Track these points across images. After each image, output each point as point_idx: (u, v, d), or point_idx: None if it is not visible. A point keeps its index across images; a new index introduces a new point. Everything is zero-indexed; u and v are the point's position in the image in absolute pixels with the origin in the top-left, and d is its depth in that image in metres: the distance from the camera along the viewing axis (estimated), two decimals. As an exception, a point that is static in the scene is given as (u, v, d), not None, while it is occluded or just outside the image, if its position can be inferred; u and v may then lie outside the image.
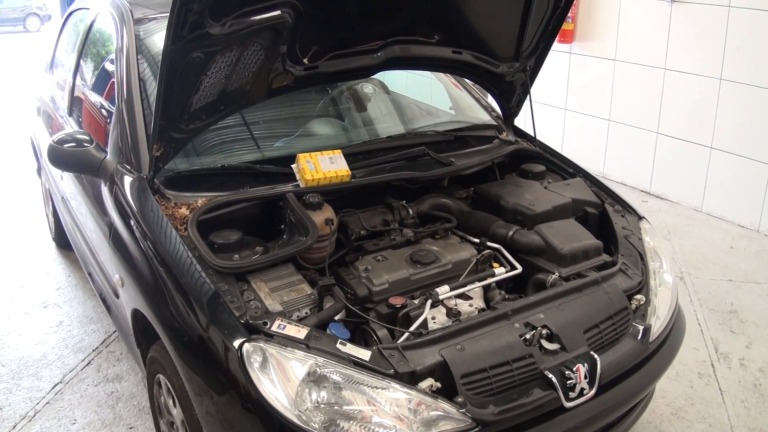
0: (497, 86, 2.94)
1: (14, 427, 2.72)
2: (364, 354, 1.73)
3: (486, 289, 2.23)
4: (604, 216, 2.56)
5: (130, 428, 2.71)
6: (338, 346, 1.74)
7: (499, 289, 2.27)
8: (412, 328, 1.88)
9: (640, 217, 2.57)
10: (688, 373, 3.03)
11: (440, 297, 1.99)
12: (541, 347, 1.89)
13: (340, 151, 2.37)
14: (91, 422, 2.74)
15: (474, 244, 2.38)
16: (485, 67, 2.77)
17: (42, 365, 3.12)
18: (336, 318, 1.98)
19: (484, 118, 3.13)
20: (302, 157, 2.30)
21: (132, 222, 2.20)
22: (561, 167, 2.83)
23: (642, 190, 5.27)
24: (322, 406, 1.65)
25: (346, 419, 1.65)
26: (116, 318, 2.72)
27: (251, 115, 2.67)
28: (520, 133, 3.09)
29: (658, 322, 2.17)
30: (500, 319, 1.91)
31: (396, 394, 1.67)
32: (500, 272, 2.18)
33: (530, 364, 1.84)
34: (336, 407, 1.66)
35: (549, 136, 5.96)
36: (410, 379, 1.72)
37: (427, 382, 1.72)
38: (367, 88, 2.95)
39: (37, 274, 4.05)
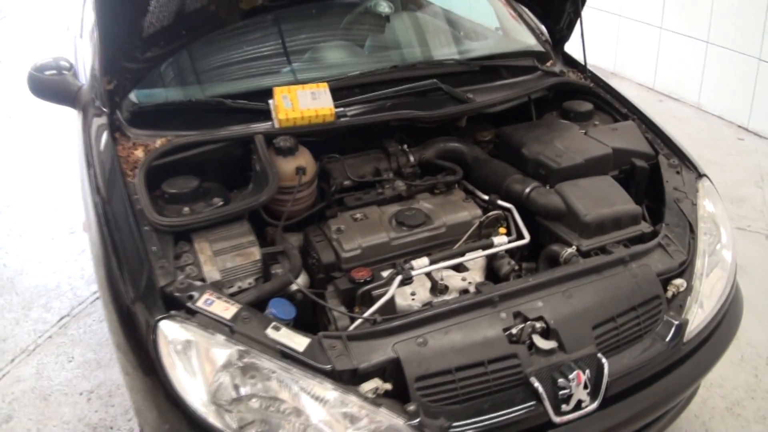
0: (541, 3, 2.40)
1: (12, 360, 2.69)
2: (299, 343, 1.43)
3: (493, 257, 1.85)
4: (656, 171, 2.06)
5: (127, 374, 2.60)
6: (269, 331, 1.44)
7: (512, 257, 1.88)
8: (368, 312, 1.55)
9: (700, 175, 2.04)
10: (756, 359, 2.53)
11: (414, 272, 1.63)
12: (533, 345, 1.51)
13: (326, 84, 1.99)
14: (87, 362, 2.66)
15: (482, 201, 1.98)
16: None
17: (54, 296, 3.07)
18: (295, 288, 1.68)
19: (530, 42, 2.62)
20: (279, 92, 1.94)
21: (89, 162, 1.96)
22: (613, 106, 2.31)
23: (739, 126, 4.50)
24: (243, 402, 1.38)
25: (269, 420, 1.37)
26: None
27: (244, 41, 2.31)
28: (571, 62, 2.56)
29: (700, 315, 1.72)
30: (482, 306, 1.54)
31: (329, 395, 1.37)
32: (501, 241, 1.78)
33: (512, 367, 1.47)
34: (259, 405, 1.38)
35: (642, 60, 5.24)
36: (352, 378, 1.41)
37: (372, 384, 1.40)
38: (381, 6, 2.49)
39: (72, 199, 4.00)
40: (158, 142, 1.89)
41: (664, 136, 2.17)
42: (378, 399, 1.39)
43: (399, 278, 1.60)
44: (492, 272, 1.88)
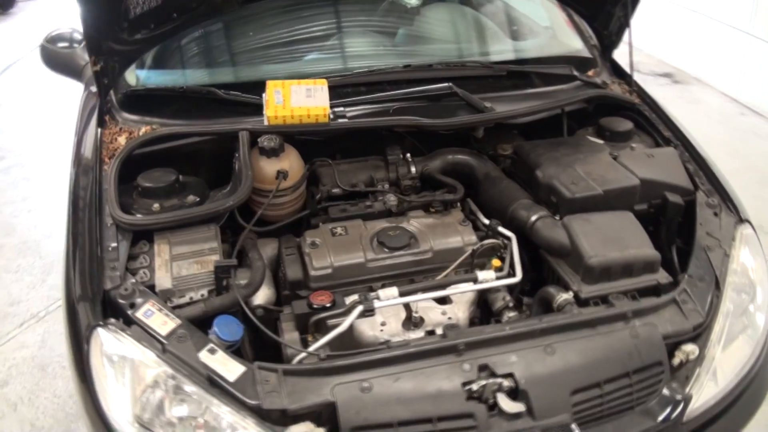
0: (586, 4, 2.14)
1: (21, 324, 2.72)
2: (232, 371, 1.30)
3: (487, 289, 1.65)
4: (692, 210, 1.79)
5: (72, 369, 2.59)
6: (203, 354, 1.32)
7: (510, 291, 1.69)
8: (315, 346, 1.40)
9: (741, 220, 1.76)
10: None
11: (377, 304, 1.46)
12: (495, 406, 1.32)
13: (324, 81, 1.83)
14: (90, 335, 2.66)
15: (483, 226, 1.78)
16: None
17: (74, 263, 3.09)
18: (259, 303, 1.57)
19: (576, 46, 2.36)
20: (272, 86, 1.80)
21: (77, 139, 1.91)
22: (656, 128, 2.04)
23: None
24: (173, 424, 1.28)
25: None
26: None
27: (259, 26, 2.18)
28: (620, 71, 2.29)
29: (711, 389, 1.47)
30: (445, 353, 1.36)
31: (251, 435, 1.25)
32: (487, 277, 1.58)
33: (466, 428, 1.29)
34: (184, 428, 1.28)
35: (727, 67, 4.77)
36: (282, 418, 1.27)
37: (302, 428, 1.26)
38: (407, -5, 2.29)
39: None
40: (143, 130, 1.80)
41: (708, 169, 1.88)
42: (303, 448, 1.25)
43: (359, 309, 1.44)
44: (486, 305, 1.70)
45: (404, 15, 2.29)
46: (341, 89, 1.93)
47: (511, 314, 1.63)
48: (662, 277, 1.61)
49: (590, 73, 2.20)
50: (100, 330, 1.35)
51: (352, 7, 2.24)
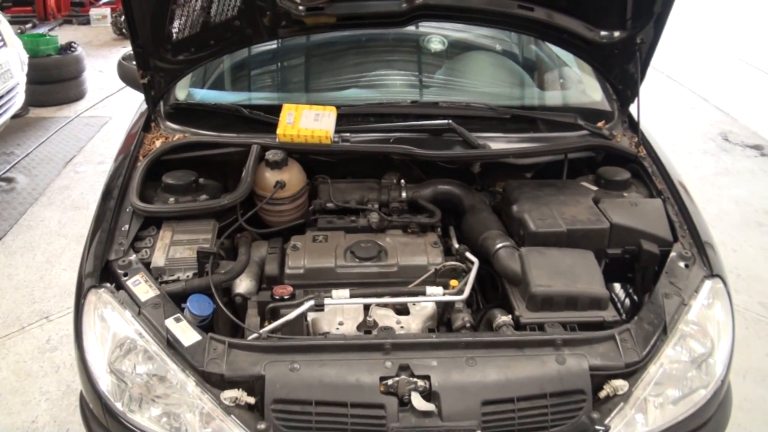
0: (600, 60, 2.24)
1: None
2: (188, 338, 1.53)
3: (450, 308, 1.78)
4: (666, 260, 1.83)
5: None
6: (169, 320, 1.55)
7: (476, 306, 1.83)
8: (268, 328, 1.60)
9: (712, 275, 1.76)
10: None
11: (327, 302, 1.64)
12: (408, 403, 1.44)
13: (334, 108, 2.07)
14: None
15: (455, 250, 1.92)
16: (574, 32, 2.12)
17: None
18: (239, 291, 1.79)
19: (595, 98, 2.46)
20: (286, 108, 2.06)
21: (127, 135, 2.26)
22: (652, 180, 2.09)
23: None
24: (133, 374, 1.52)
25: (147, 398, 1.50)
26: None
27: (298, 55, 2.48)
28: (635, 125, 2.35)
29: (638, 426, 1.51)
30: (371, 349, 1.51)
31: (190, 390, 1.46)
32: (433, 292, 1.71)
33: (375, 417, 1.43)
34: (140, 381, 1.50)
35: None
36: (221, 382, 1.47)
37: (233, 393, 1.45)
38: (432, 42, 2.49)
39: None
40: (177, 137, 2.11)
41: (692, 223, 1.91)
42: (233, 408, 1.44)
43: (309, 304, 1.62)
44: (448, 324, 1.82)
45: (430, 58, 2.50)
46: (353, 117, 2.15)
47: (469, 334, 1.74)
48: (609, 315, 1.67)
49: (600, 124, 2.29)
50: (94, 290, 1.62)
51: (379, 49, 2.48)
